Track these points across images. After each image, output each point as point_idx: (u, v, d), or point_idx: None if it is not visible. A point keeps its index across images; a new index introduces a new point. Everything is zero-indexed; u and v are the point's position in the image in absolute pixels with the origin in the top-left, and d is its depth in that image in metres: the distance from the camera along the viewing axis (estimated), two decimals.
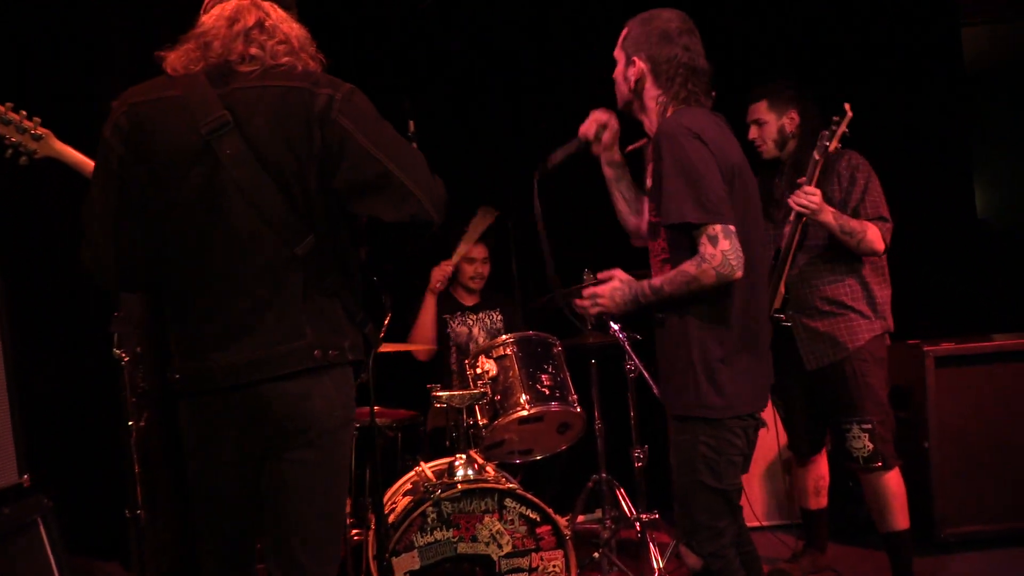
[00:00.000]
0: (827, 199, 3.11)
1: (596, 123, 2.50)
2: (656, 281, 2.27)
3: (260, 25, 1.87)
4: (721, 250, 2.15)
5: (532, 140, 4.42)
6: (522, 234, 4.30)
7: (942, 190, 4.49)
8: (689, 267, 2.19)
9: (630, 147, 2.57)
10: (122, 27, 3.47)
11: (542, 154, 2.54)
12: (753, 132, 3.32)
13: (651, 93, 2.34)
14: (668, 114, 2.31)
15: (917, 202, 2.99)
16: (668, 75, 2.30)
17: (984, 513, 3.63)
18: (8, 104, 2.12)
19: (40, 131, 2.13)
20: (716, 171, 2.17)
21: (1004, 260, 5.46)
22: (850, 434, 3.11)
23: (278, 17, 1.91)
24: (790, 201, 3.05)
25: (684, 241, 2.23)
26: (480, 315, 4.16)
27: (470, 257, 4.13)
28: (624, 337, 3.45)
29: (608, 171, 2.56)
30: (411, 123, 2.93)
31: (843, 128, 3.04)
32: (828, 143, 3.05)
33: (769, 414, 4.02)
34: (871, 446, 3.08)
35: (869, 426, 3.09)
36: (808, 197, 3.01)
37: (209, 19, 1.89)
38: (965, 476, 3.63)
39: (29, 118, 2.13)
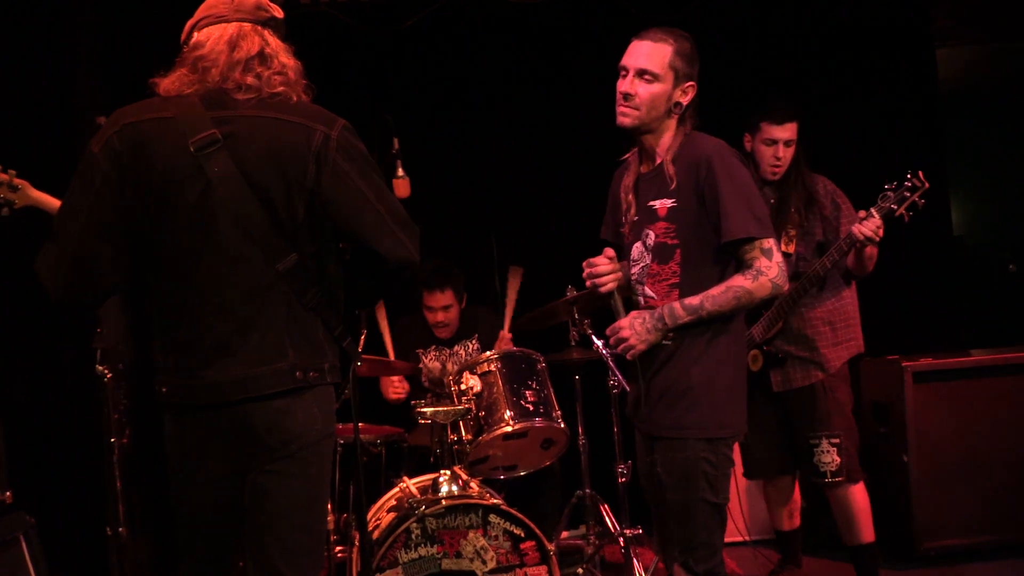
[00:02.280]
0: (807, 224, 3.14)
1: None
2: (693, 300, 2.25)
3: (261, 54, 1.88)
4: (777, 262, 2.23)
5: (515, 153, 4.50)
6: (504, 248, 4.33)
7: (918, 208, 4.56)
8: (743, 282, 2.22)
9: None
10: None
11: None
12: (780, 151, 3.19)
13: (676, 113, 2.36)
14: (684, 134, 2.35)
15: (893, 220, 3.01)
16: (694, 99, 2.37)
17: (962, 526, 3.66)
18: None
19: (17, 182, 2.16)
20: (758, 189, 2.28)
21: (980, 276, 5.55)
22: (819, 448, 3.15)
23: (276, 46, 1.92)
24: (857, 230, 2.94)
25: (706, 262, 2.28)
26: (455, 348, 4.05)
27: (428, 306, 3.95)
28: (607, 353, 3.46)
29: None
30: (395, 140, 2.95)
31: (915, 198, 2.94)
32: (895, 207, 2.94)
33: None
34: (838, 460, 3.12)
35: (837, 440, 3.13)
36: (878, 229, 2.93)
37: (208, 41, 1.89)
38: (943, 490, 3.66)
39: (5, 171, 2.14)
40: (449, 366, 3.99)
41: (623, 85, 2.33)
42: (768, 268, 2.21)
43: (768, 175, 3.23)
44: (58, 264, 1.85)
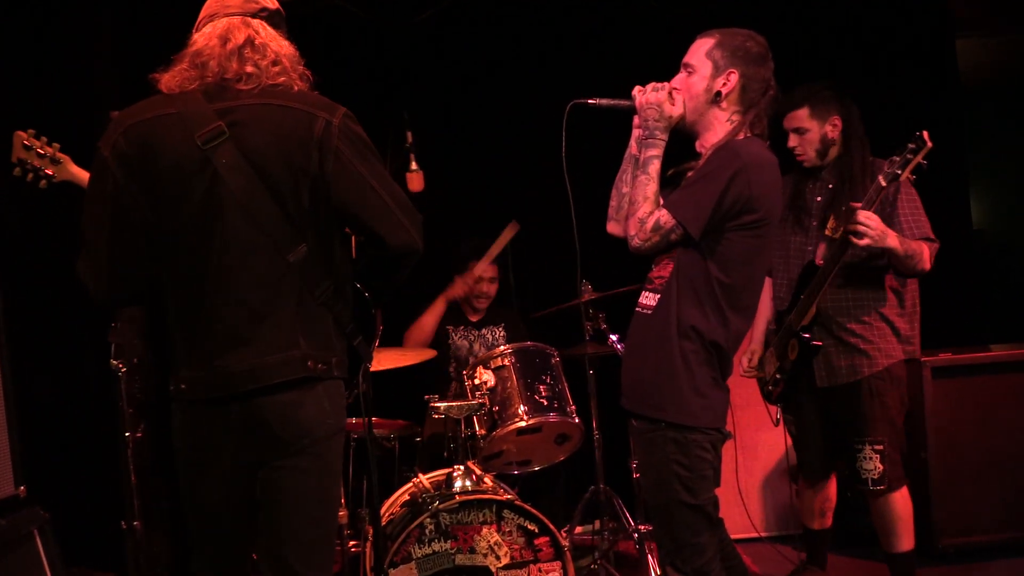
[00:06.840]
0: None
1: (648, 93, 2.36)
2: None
3: (251, 43, 1.90)
4: (648, 232, 2.25)
5: (531, 147, 4.47)
6: (522, 245, 4.31)
7: (938, 201, 4.48)
8: (635, 222, 2.29)
9: (672, 170, 2.44)
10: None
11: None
12: (793, 140, 3.13)
13: (727, 108, 2.30)
14: (732, 134, 2.28)
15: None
16: (752, 97, 2.28)
17: (983, 524, 3.63)
18: (30, 130, 2.15)
19: (59, 156, 2.18)
20: (716, 196, 2.19)
21: (1000, 270, 5.48)
22: (861, 455, 3.02)
23: (268, 35, 1.94)
24: (854, 228, 2.80)
25: (695, 259, 2.26)
26: (483, 331, 4.14)
27: (478, 276, 4.08)
28: (622, 348, 3.44)
29: (635, 146, 2.46)
30: (408, 134, 2.94)
31: (919, 159, 2.72)
32: (900, 171, 2.74)
33: (748, 426, 4.01)
34: (881, 467, 2.99)
35: (881, 447, 2.99)
36: (868, 223, 2.78)
37: (201, 38, 1.92)
38: (963, 487, 3.62)
39: (49, 144, 2.16)
40: (476, 346, 4.08)
41: (674, 80, 2.37)
42: (640, 228, 2.25)
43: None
44: (97, 269, 1.90)
